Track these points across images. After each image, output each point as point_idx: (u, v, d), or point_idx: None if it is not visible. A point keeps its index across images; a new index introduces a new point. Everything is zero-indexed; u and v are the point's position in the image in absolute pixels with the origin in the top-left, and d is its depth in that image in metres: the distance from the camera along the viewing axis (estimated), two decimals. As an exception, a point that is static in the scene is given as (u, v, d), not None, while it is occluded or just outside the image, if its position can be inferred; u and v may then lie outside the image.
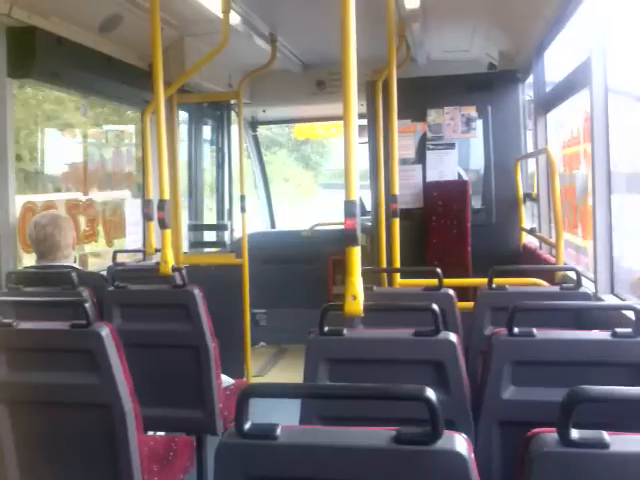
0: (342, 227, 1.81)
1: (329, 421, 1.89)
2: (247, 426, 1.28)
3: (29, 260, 3.55)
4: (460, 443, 1.22)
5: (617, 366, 1.96)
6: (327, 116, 7.16)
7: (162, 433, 3.15)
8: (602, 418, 1.48)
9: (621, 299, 2.92)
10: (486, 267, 3.03)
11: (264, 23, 4.70)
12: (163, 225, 3.12)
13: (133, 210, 4.90)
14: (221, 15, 3.91)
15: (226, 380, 3.43)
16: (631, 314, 2.03)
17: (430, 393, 1.22)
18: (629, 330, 1.98)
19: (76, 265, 3.31)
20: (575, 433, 1.22)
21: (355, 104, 1.79)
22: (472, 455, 1.22)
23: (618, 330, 1.99)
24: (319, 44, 5.28)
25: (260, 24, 4.65)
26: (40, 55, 3.43)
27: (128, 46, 4.34)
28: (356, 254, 1.81)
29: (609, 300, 2.91)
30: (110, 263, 4.10)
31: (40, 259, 3.29)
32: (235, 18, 4.16)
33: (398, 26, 4.25)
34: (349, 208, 1.78)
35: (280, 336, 6.27)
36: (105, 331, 2.21)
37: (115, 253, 4.20)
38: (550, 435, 1.24)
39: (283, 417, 1.53)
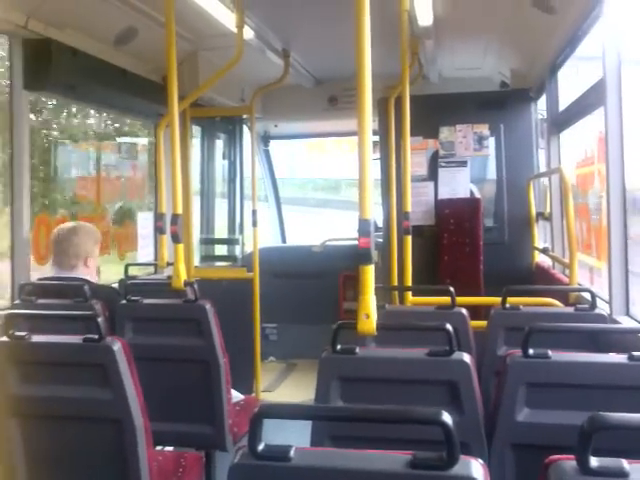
0: (353, 242, 1.80)
1: (341, 441, 1.86)
2: (260, 447, 1.26)
3: (38, 273, 3.56)
4: (476, 469, 1.20)
5: (633, 390, 1.93)
6: (339, 132, 7.17)
7: (170, 448, 3.13)
8: (618, 444, 1.46)
9: (637, 321, 2.90)
10: (498, 286, 3.01)
11: (277, 38, 4.73)
12: (176, 239, 3.12)
13: (145, 223, 4.91)
14: (235, 30, 3.94)
15: (235, 395, 3.41)
16: None
17: (446, 417, 1.20)
18: None
19: (89, 278, 3.30)
20: (594, 461, 1.19)
21: (370, 121, 1.79)
22: None
23: (635, 353, 1.96)
24: (332, 60, 5.30)
25: (273, 39, 4.68)
26: (55, 67, 3.45)
27: (143, 59, 4.37)
28: (370, 272, 1.79)
29: (624, 322, 2.88)
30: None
31: (54, 265, 3.30)
32: (249, 33, 4.19)
33: (411, 43, 4.26)
34: (364, 226, 1.76)
35: (290, 351, 6.25)
36: (117, 346, 2.21)
37: (127, 266, 4.20)
38: (569, 463, 1.22)
39: (293, 435, 1.51)
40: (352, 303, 6.03)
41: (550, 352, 2.01)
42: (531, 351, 2.02)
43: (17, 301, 3.09)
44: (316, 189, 16.89)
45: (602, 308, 2.94)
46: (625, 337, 2.53)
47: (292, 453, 1.26)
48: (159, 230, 3.50)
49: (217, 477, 3.11)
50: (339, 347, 2.03)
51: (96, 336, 2.21)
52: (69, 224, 3.42)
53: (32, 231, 3.58)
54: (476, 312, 3.53)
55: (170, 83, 3.12)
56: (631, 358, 1.96)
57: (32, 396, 2.26)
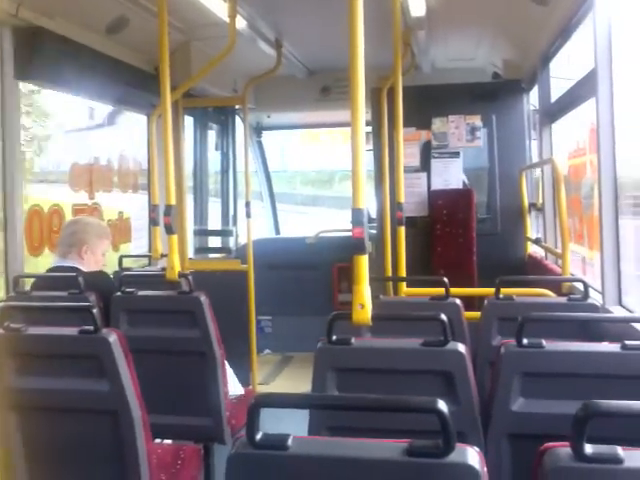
0: (347, 234, 1.81)
1: (337, 431, 1.88)
2: (258, 436, 1.27)
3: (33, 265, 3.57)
4: (472, 456, 1.22)
5: (627, 379, 1.95)
6: (332, 122, 7.16)
7: (169, 441, 3.14)
8: (612, 432, 1.47)
9: (629, 310, 2.92)
10: (491, 276, 3.02)
11: (270, 28, 4.71)
12: (170, 230, 3.11)
13: (138, 214, 4.89)
14: (227, 19, 3.92)
15: (236, 386, 3.42)
16: None
17: (442, 405, 1.21)
18: (639, 343, 1.97)
19: (79, 266, 3.31)
20: (589, 448, 1.21)
21: (363, 111, 1.79)
22: (485, 469, 1.22)
23: (628, 342, 1.98)
24: (324, 50, 5.29)
25: (266, 29, 4.66)
26: (46, 56, 3.43)
27: (135, 49, 4.34)
28: (364, 263, 1.80)
29: (617, 311, 2.91)
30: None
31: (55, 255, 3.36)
32: (241, 23, 4.17)
33: (404, 34, 4.25)
34: (357, 216, 1.77)
35: (285, 344, 6.25)
36: (113, 337, 2.21)
37: (121, 258, 4.19)
38: (564, 450, 1.23)
39: (290, 426, 1.52)
40: (347, 295, 6.04)
41: (544, 342, 2.03)
42: (525, 341, 2.03)
43: (12, 294, 3.09)
44: (305, 183, 15.48)
45: (595, 298, 2.97)
46: (618, 326, 2.55)
47: (290, 442, 1.27)
48: (153, 222, 3.49)
49: (216, 469, 3.12)
50: (334, 338, 2.04)
51: (92, 328, 2.21)
52: (77, 217, 3.47)
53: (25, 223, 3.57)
54: (470, 303, 3.55)
55: (162, 73, 3.11)
56: (624, 347, 1.97)
57: (28, 388, 2.25)
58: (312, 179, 15.06)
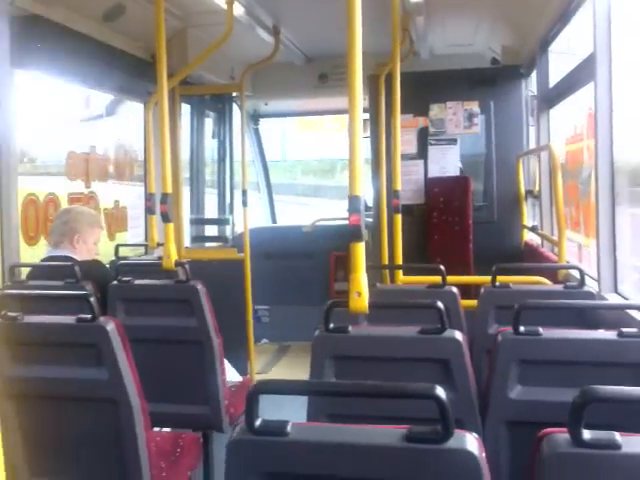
0: (343, 222, 1.80)
1: (336, 418, 1.88)
2: (258, 423, 1.28)
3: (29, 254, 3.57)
4: (471, 442, 1.22)
5: (623, 366, 1.96)
6: (330, 109, 7.13)
7: (167, 429, 3.15)
8: (609, 419, 1.48)
9: (624, 298, 2.92)
10: (487, 264, 3.02)
11: (267, 15, 4.68)
12: (166, 219, 3.11)
13: (135, 203, 4.89)
14: (225, 6, 3.90)
15: (231, 377, 3.43)
16: (636, 313, 2.02)
17: (440, 392, 1.22)
18: (635, 330, 1.98)
19: (73, 255, 3.31)
20: (587, 434, 1.22)
21: (361, 98, 1.78)
22: (483, 454, 1.22)
23: (624, 330, 1.99)
24: (322, 37, 5.26)
25: (263, 16, 4.63)
26: (43, 45, 3.41)
27: (131, 36, 4.32)
28: (361, 250, 1.80)
29: (612, 299, 2.91)
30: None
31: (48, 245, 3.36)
32: (239, 9, 4.14)
33: (402, 20, 4.22)
34: (354, 203, 1.77)
35: (282, 333, 6.26)
36: (110, 326, 2.21)
37: (117, 247, 4.19)
38: (562, 436, 1.24)
39: (289, 414, 1.52)
40: (343, 284, 6.04)
41: (541, 329, 2.03)
42: (522, 328, 2.03)
43: (7, 283, 3.08)
44: (306, 173, 14.75)
45: (591, 286, 2.97)
46: (614, 314, 2.56)
47: (289, 428, 1.27)
48: (149, 210, 3.48)
49: (215, 457, 3.13)
50: (332, 326, 2.05)
51: (89, 316, 2.21)
52: (69, 206, 3.46)
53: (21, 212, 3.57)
54: (466, 291, 3.56)
55: (159, 61, 3.09)
56: (620, 335, 1.98)
57: (26, 377, 2.26)
58: (313, 168, 14.51)
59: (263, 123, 7.19)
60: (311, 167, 14.57)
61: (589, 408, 1.21)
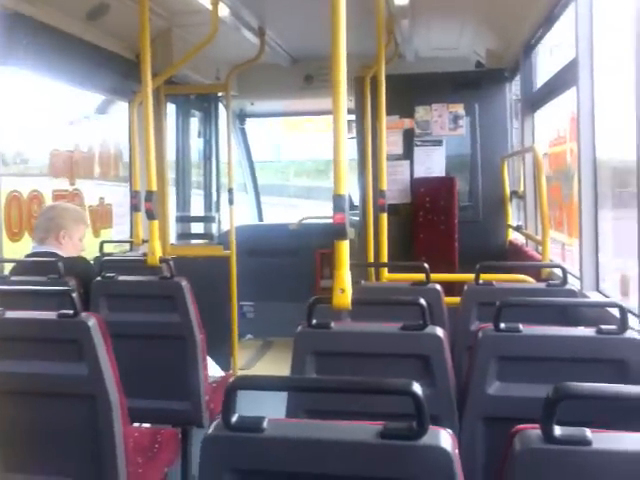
0: (329, 221, 1.82)
1: (315, 414, 1.89)
2: (234, 419, 1.28)
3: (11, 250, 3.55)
4: (445, 439, 1.22)
5: (601, 362, 1.97)
6: (315, 110, 7.15)
7: (147, 425, 3.14)
8: (587, 415, 1.49)
9: (606, 296, 2.95)
10: (472, 263, 3.04)
11: (253, 16, 4.68)
12: (151, 216, 3.11)
13: (120, 201, 4.88)
14: (210, 7, 3.90)
15: (213, 373, 3.42)
16: (616, 311, 2.05)
17: (417, 388, 1.22)
18: (614, 327, 2.00)
19: (58, 252, 3.30)
20: (558, 430, 1.22)
21: (344, 99, 1.80)
22: (457, 451, 1.23)
23: (603, 327, 2.01)
24: (308, 38, 5.27)
25: (249, 17, 4.64)
26: (26, 42, 3.40)
27: (116, 35, 4.31)
28: (345, 248, 1.81)
29: (594, 297, 2.94)
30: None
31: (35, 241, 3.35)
32: (224, 10, 4.15)
33: (387, 22, 4.25)
34: (338, 202, 1.78)
35: (267, 329, 6.26)
36: (92, 321, 2.20)
37: (102, 243, 4.17)
38: (534, 432, 1.25)
39: (270, 410, 1.53)
40: (329, 281, 6.05)
41: (521, 326, 2.05)
42: (502, 325, 2.05)
43: None
44: (299, 174, 14.13)
45: (573, 284, 3.00)
46: (594, 311, 2.59)
47: (265, 424, 1.27)
48: (134, 207, 3.48)
49: (193, 453, 3.13)
50: (314, 322, 2.06)
51: (71, 312, 2.20)
52: (54, 202, 3.45)
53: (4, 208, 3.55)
54: (450, 289, 3.57)
55: (144, 60, 3.10)
56: (600, 332, 2.00)
57: (6, 372, 2.24)
58: (307, 169, 14.09)
59: (256, 123, 7.17)
60: (305, 168, 14.19)
61: (564, 404, 1.22)
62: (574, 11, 3.14)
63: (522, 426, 1.28)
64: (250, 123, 7.22)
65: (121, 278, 3.05)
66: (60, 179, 4.22)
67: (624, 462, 1.21)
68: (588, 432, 1.22)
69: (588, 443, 1.21)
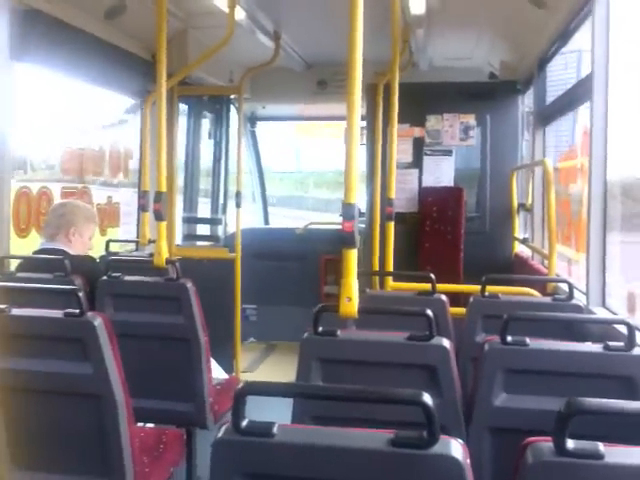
0: (335, 227, 1.82)
1: (321, 421, 1.89)
2: (244, 423, 1.28)
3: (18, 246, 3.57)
4: (456, 448, 1.23)
5: (608, 378, 1.98)
6: (327, 116, 7.16)
7: (151, 425, 3.15)
8: (597, 430, 1.49)
9: (612, 312, 2.95)
10: (477, 274, 3.04)
11: (269, 20, 4.70)
12: (159, 217, 3.12)
13: (128, 200, 4.89)
14: (226, 10, 3.91)
15: (220, 373, 3.43)
16: (623, 328, 2.04)
17: (427, 398, 1.22)
18: (621, 344, 2.00)
19: (67, 249, 3.30)
20: (571, 443, 1.23)
21: (359, 106, 1.80)
22: (468, 461, 1.23)
23: (610, 343, 2.01)
24: (322, 44, 5.28)
25: (265, 21, 4.66)
26: (43, 39, 3.41)
27: (132, 35, 4.33)
28: (353, 256, 1.81)
29: (600, 313, 2.94)
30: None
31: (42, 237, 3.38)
32: (240, 13, 4.16)
33: (403, 31, 4.26)
34: (348, 211, 1.79)
35: (270, 332, 6.27)
36: (98, 321, 2.21)
37: (108, 242, 4.18)
38: (546, 444, 1.25)
39: (275, 416, 1.53)
40: (332, 287, 6.06)
41: (528, 340, 2.05)
42: (509, 338, 2.05)
43: None
44: (319, 185, 13.49)
45: (579, 299, 2.99)
46: (601, 327, 2.58)
47: (275, 429, 1.28)
48: (142, 207, 3.49)
49: (198, 454, 3.13)
50: (320, 329, 2.06)
51: (77, 311, 2.21)
52: (65, 200, 3.46)
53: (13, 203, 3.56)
54: (455, 300, 3.57)
55: (159, 60, 3.11)
56: (606, 348, 2.00)
57: (11, 369, 2.24)
58: (327, 180, 13.34)
59: (271, 127, 7.12)
60: (325, 179, 13.55)
61: (575, 419, 1.22)
62: (590, 25, 3.14)
63: (534, 438, 1.28)
64: (266, 129, 7.18)
65: (127, 278, 3.06)
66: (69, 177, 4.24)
67: (636, 476, 1.22)
68: (601, 446, 1.23)
69: (601, 457, 1.21)
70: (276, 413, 1.70)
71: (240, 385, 1.30)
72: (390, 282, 3.79)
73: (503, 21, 4.58)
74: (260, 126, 7.20)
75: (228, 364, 4.82)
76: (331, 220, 6.60)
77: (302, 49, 5.67)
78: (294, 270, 6.34)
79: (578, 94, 3.57)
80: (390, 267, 3.89)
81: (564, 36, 3.98)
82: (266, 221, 7.39)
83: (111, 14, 3.97)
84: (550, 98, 4.61)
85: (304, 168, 12.20)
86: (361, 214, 5.54)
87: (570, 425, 1.22)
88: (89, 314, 2.22)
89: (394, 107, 3.81)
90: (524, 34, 4.62)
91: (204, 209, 6.29)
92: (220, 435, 1.30)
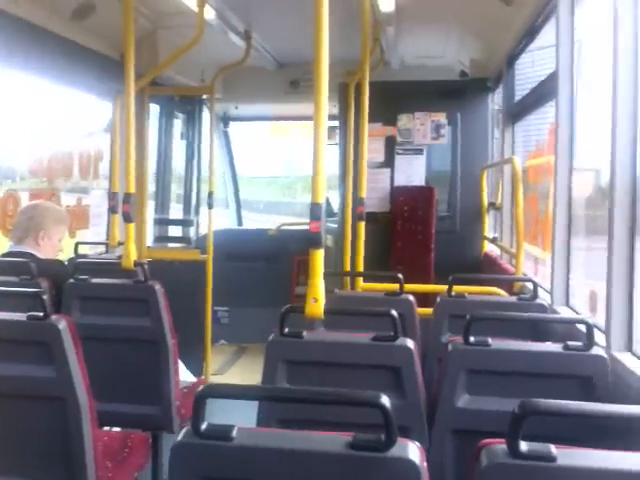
0: (307, 227, 1.83)
1: (286, 423, 1.89)
2: (203, 426, 1.28)
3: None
4: (413, 451, 1.23)
5: (568, 378, 2.00)
6: (300, 115, 7.14)
7: (117, 429, 3.13)
8: (553, 430, 1.51)
9: (575, 312, 2.98)
10: (448, 274, 3.06)
11: (239, 19, 4.68)
12: (128, 219, 3.10)
13: (97, 201, 4.84)
14: (196, 9, 3.89)
15: (185, 378, 3.41)
16: (583, 327, 2.07)
17: (385, 400, 1.23)
18: (580, 343, 2.03)
19: (35, 253, 3.27)
20: (524, 445, 1.23)
21: (326, 105, 1.80)
22: (425, 463, 1.24)
23: (570, 343, 2.03)
24: (294, 43, 5.26)
25: (235, 20, 4.63)
26: (9, 40, 3.37)
27: (101, 35, 4.28)
28: (319, 257, 1.82)
29: (564, 312, 2.97)
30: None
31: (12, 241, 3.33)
32: (210, 12, 4.14)
33: (373, 29, 4.26)
34: (315, 211, 1.79)
35: (241, 335, 6.24)
36: (62, 324, 2.19)
37: (77, 245, 4.14)
38: (500, 446, 1.26)
39: (241, 418, 1.53)
40: (304, 288, 6.02)
41: (490, 340, 2.06)
42: (472, 339, 2.06)
43: None
44: (308, 189, 13.56)
45: (544, 298, 3.02)
46: (563, 326, 2.61)
47: (234, 433, 1.28)
48: (112, 209, 3.46)
49: (163, 458, 3.12)
50: (287, 330, 2.06)
51: (41, 314, 2.19)
52: (35, 201, 3.42)
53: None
54: (425, 299, 3.59)
55: (127, 60, 3.09)
56: (566, 347, 2.03)
57: None
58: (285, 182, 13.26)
59: (241, 128, 7.11)
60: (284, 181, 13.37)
61: (534, 420, 1.23)
62: (555, 24, 3.17)
63: (488, 440, 1.29)
64: (247, 132, 7.13)
65: (94, 281, 3.03)
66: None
67: (588, 479, 1.22)
68: (553, 448, 1.23)
69: (553, 459, 1.22)
70: (243, 417, 1.70)
71: (200, 388, 1.30)
72: (360, 282, 3.80)
73: (472, 18, 4.61)
74: (242, 129, 7.16)
75: (198, 367, 4.79)
76: (305, 221, 6.58)
77: (273, 48, 5.66)
78: (267, 271, 6.32)
79: (544, 91, 3.60)
80: (361, 267, 3.89)
81: (531, 33, 4.01)
82: (239, 222, 7.36)
83: (79, 14, 3.92)
84: (519, 96, 4.65)
85: (292, 172, 12.11)
86: (334, 213, 5.56)
87: (527, 426, 1.22)
88: (53, 317, 2.20)
89: (365, 106, 3.82)
90: (493, 31, 4.65)
91: (176, 210, 6.24)
92: (179, 438, 1.29)
